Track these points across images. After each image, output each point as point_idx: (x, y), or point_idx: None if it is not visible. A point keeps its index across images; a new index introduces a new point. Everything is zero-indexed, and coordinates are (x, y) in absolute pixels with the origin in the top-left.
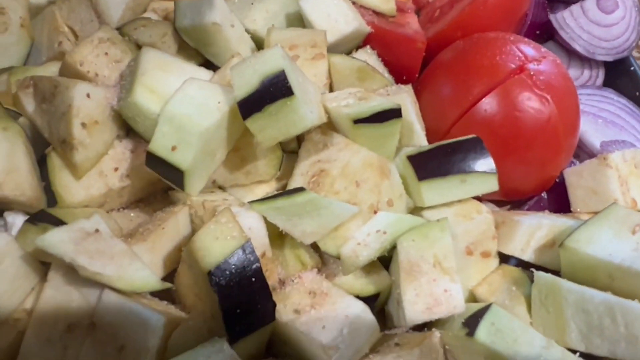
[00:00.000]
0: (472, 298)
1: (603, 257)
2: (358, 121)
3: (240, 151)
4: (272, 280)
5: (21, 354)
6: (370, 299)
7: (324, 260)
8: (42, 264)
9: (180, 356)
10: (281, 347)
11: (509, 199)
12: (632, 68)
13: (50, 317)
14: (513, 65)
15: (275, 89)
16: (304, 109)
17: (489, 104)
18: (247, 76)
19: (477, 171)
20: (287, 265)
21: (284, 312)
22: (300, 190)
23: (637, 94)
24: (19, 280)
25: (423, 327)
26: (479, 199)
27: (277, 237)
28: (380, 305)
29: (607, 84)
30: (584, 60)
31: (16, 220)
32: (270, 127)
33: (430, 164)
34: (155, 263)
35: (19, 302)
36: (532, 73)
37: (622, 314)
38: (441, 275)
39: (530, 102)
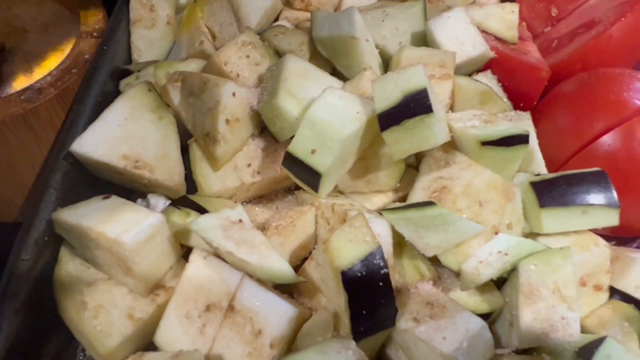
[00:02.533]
0: (580, 329)
1: None
2: (486, 143)
3: (365, 160)
4: None
5: (162, 327)
6: (483, 318)
7: (439, 274)
8: (181, 246)
9: (313, 347)
10: (392, 352)
11: (618, 235)
12: None
13: (191, 296)
14: (639, 103)
15: (415, 105)
16: (438, 127)
17: (612, 139)
18: (389, 90)
19: (600, 204)
20: (405, 275)
21: (403, 319)
22: (430, 203)
23: None
24: (163, 257)
25: (528, 351)
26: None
27: (397, 245)
28: (489, 324)
29: None
30: None
31: (159, 202)
32: (405, 141)
33: (553, 192)
34: (284, 257)
35: (160, 277)
36: None
37: None
38: (560, 302)
39: None
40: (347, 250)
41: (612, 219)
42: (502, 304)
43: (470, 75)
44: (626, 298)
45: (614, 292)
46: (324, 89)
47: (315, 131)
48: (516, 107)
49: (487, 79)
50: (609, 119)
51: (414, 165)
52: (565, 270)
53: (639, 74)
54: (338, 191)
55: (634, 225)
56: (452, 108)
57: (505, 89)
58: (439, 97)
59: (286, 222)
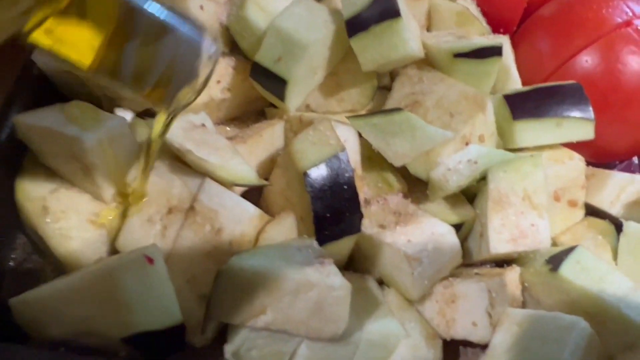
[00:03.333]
0: (554, 245)
1: None
2: (458, 55)
3: (337, 76)
4: None
5: (123, 231)
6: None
7: (410, 187)
8: None
9: (273, 244)
10: (361, 263)
11: (598, 160)
12: None
13: (153, 200)
14: (619, 20)
15: (383, 10)
16: (407, 34)
17: (589, 56)
18: None
19: (574, 116)
20: (374, 186)
21: (369, 225)
22: (398, 109)
23: None
24: (126, 164)
25: (501, 266)
26: None
27: (367, 158)
28: (460, 240)
29: None
30: None
31: (126, 115)
32: (373, 49)
33: (526, 104)
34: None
35: (124, 185)
36: (639, 28)
37: None
38: (530, 209)
39: (635, 57)
40: (310, 152)
41: (587, 131)
42: (473, 216)
43: None
44: (601, 214)
45: (589, 211)
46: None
47: (280, 39)
48: (496, 31)
49: (467, 3)
50: (586, 36)
51: (388, 86)
52: (536, 177)
53: None
54: (311, 110)
55: (610, 147)
56: (428, 29)
57: (485, 13)
58: (414, 17)
59: (253, 131)
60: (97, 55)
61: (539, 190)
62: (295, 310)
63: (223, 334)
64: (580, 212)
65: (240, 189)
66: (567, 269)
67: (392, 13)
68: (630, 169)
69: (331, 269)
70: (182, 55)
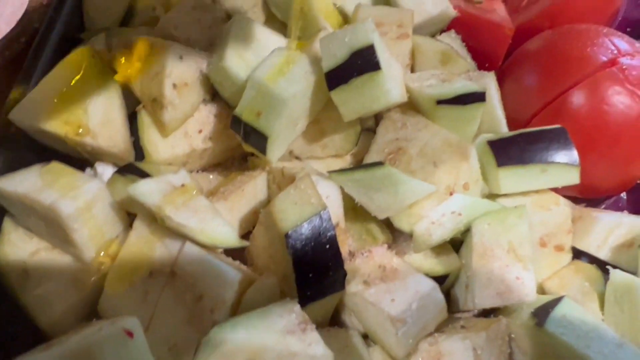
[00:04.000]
0: (541, 291)
1: None
2: (441, 102)
3: (320, 124)
4: (342, 252)
5: (104, 295)
6: (438, 280)
7: (395, 238)
8: (128, 214)
9: (255, 311)
10: (346, 317)
11: (586, 196)
12: None
13: (133, 263)
14: (604, 58)
15: (363, 63)
16: (389, 85)
17: (576, 96)
18: (337, 48)
19: (559, 162)
20: (358, 238)
21: (354, 282)
22: (379, 164)
23: None
24: (106, 226)
25: (488, 314)
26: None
27: (350, 210)
28: (447, 288)
29: None
30: None
31: (106, 170)
32: (354, 101)
33: (511, 151)
34: (233, 223)
35: (105, 247)
36: (624, 67)
37: None
38: (515, 262)
39: (620, 97)
40: (292, 212)
41: (572, 177)
42: (459, 266)
43: (434, 35)
44: (588, 258)
45: (576, 253)
46: (272, 50)
47: (260, 92)
48: (482, 67)
49: (451, 39)
50: (572, 75)
51: (373, 129)
52: (520, 229)
53: (604, 29)
54: (295, 157)
55: (599, 185)
56: (412, 69)
57: (470, 48)
58: (397, 57)
59: (234, 186)
60: None
61: (524, 241)
62: None
63: None
64: (567, 256)
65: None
66: (553, 324)
67: (372, 66)
68: (618, 204)
69: (313, 337)
70: None
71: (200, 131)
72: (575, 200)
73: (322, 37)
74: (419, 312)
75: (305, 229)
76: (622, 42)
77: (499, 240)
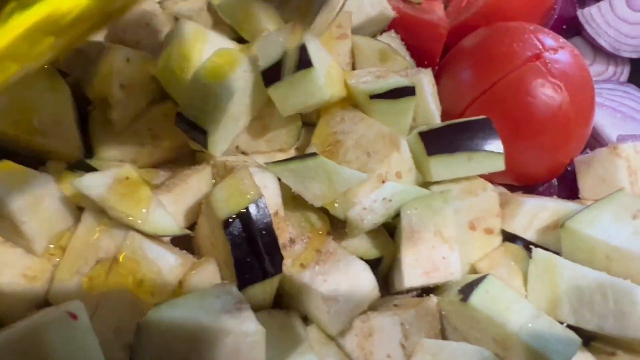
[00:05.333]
0: (473, 272)
1: (602, 238)
2: (374, 96)
3: (263, 119)
4: (283, 239)
5: (54, 283)
6: (374, 263)
7: (334, 225)
8: (79, 209)
9: (193, 293)
10: (288, 301)
11: (521, 183)
12: None
13: (81, 253)
14: (529, 53)
15: (297, 61)
16: (322, 81)
17: (502, 89)
18: (272, 48)
19: (484, 150)
20: (298, 226)
21: (291, 266)
22: (313, 155)
23: None
24: (56, 219)
25: (422, 295)
26: (491, 181)
27: (290, 199)
28: (385, 271)
29: (632, 80)
30: (610, 57)
31: (57, 167)
32: (291, 97)
33: (439, 141)
34: (178, 215)
35: (56, 239)
36: (547, 61)
37: (613, 290)
38: (440, 243)
39: (543, 89)
40: (229, 201)
41: (497, 164)
42: (393, 250)
43: (375, 35)
44: (516, 240)
45: (506, 236)
46: (215, 51)
47: (201, 90)
48: (421, 64)
49: (390, 39)
50: (499, 69)
51: (315, 124)
52: (445, 212)
53: (531, 27)
54: (241, 152)
55: (530, 172)
56: (353, 67)
57: (409, 47)
58: (338, 57)
59: (179, 180)
60: None
61: (449, 224)
62: (215, 357)
63: None
64: (497, 239)
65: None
66: (476, 299)
67: (305, 63)
68: (550, 190)
69: (247, 315)
70: None
71: (149, 129)
72: (512, 188)
73: (259, 38)
74: (350, 291)
75: (242, 217)
76: (547, 38)
77: (425, 224)
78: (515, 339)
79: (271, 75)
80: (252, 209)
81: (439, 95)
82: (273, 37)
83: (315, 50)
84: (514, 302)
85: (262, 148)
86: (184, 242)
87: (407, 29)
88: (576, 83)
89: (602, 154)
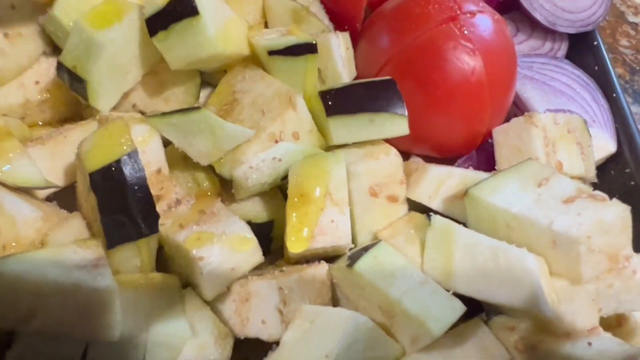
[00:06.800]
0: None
1: (502, 206)
2: (272, 52)
3: (158, 75)
4: (168, 199)
5: None
6: (266, 226)
7: (227, 187)
8: None
9: (48, 248)
10: (170, 264)
11: (438, 154)
12: (595, 42)
13: None
14: (445, 15)
15: (181, 7)
16: (212, 33)
17: (414, 51)
18: None
19: (387, 112)
20: (185, 186)
21: (170, 226)
22: (196, 108)
23: (596, 68)
24: None
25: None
26: (408, 152)
27: (181, 158)
28: (280, 236)
29: (569, 57)
30: (548, 32)
31: None
32: (178, 48)
33: (340, 101)
34: (55, 170)
35: None
36: (462, 24)
37: (505, 257)
38: (330, 205)
39: (455, 52)
40: (99, 152)
41: (401, 128)
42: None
43: None
44: (419, 207)
45: (412, 205)
46: None
47: (81, 38)
48: (341, 29)
49: (310, 1)
50: (412, 31)
51: None
52: (337, 173)
53: None
54: (139, 110)
55: (445, 142)
56: (266, 27)
57: (328, 10)
58: (248, 15)
59: (57, 133)
60: None
61: (341, 186)
62: (65, 313)
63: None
64: (402, 207)
65: (46, 192)
66: (363, 265)
67: (190, 11)
68: (469, 162)
69: (102, 272)
70: None
71: (37, 82)
72: (432, 160)
73: None
74: (226, 252)
75: (112, 170)
76: (466, 2)
77: (314, 184)
78: (397, 305)
79: (156, 23)
80: (123, 162)
81: (356, 60)
82: None
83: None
84: (401, 268)
85: (161, 107)
86: (67, 199)
87: None
88: (493, 49)
89: (518, 123)
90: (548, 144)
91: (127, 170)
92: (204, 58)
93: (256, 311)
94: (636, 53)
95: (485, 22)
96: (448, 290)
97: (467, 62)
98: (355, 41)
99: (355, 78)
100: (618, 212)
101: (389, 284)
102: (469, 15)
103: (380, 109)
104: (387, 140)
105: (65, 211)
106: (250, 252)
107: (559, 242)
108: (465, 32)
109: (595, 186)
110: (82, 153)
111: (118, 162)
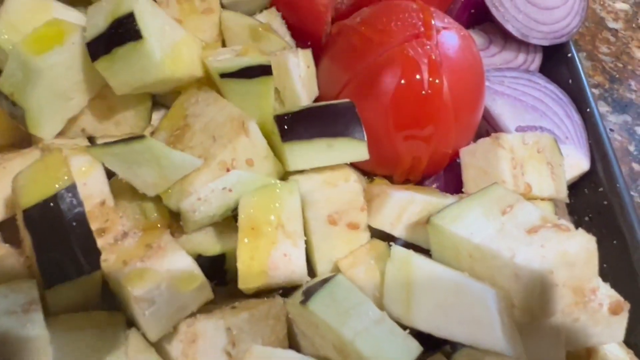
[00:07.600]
0: (336, 270)
1: (465, 235)
2: (225, 75)
3: (107, 99)
4: (113, 232)
5: None
6: (217, 259)
7: (176, 216)
8: None
9: None
10: (115, 300)
11: (405, 177)
12: (569, 55)
13: None
14: (407, 33)
15: (124, 31)
16: (159, 56)
17: (375, 71)
18: (99, 17)
19: (345, 137)
20: (132, 218)
21: (113, 262)
22: (140, 137)
23: (570, 81)
24: None
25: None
26: (373, 174)
27: (129, 189)
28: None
29: (543, 69)
30: (521, 44)
31: None
32: (123, 72)
33: (296, 125)
34: None
35: None
36: (425, 42)
37: (465, 292)
38: (283, 238)
39: (418, 72)
40: (34, 187)
41: (360, 152)
42: None
43: (254, 13)
44: (381, 235)
45: (374, 232)
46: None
47: (19, 64)
48: (304, 45)
49: (271, 17)
50: (373, 50)
51: None
52: (290, 204)
53: (414, 5)
54: (87, 135)
55: (409, 163)
56: (224, 45)
57: (290, 26)
58: (204, 33)
59: None
60: None
61: (293, 218)
62: None
63: None
64: (364, 235)
65: None
66: (316, 302)
67: (133, 34)
68: (436, 184)
69: (33, 318)
70: None
71: None
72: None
73: (89, 7)
74: (170, 292)
75: (48, 206)
76: (431, 18)
77: (265, 216)
78: (350, 346)
79: (98, 47)
80: (60, 197)
81: (319, 77)
82: (102, 4)
83: (151, 20)
84: (356, 305)
85: (111, 131)
86: (11, 231)
87: (288, 6)
88: (459, 68)
89: (485, 145)
90: (516, 166)
91: (64, 205)
92: (150, 82)
93: (203, 354)
94: (616, 60)
95: (450, 39)
96: (406, 328)
97: (431, 81)
98: (319, 57)
99: (318, 96)
100: (583, 243)
101: (342, 323)
102: (433, 32)
103: (339, 133)
104: (352, 162)
105: (8, 245)
106: (197, 289)
107: (521, 276)
108: (428, 50)
109: (568, 206)
110: (16, 188)
111: (54, 197)
